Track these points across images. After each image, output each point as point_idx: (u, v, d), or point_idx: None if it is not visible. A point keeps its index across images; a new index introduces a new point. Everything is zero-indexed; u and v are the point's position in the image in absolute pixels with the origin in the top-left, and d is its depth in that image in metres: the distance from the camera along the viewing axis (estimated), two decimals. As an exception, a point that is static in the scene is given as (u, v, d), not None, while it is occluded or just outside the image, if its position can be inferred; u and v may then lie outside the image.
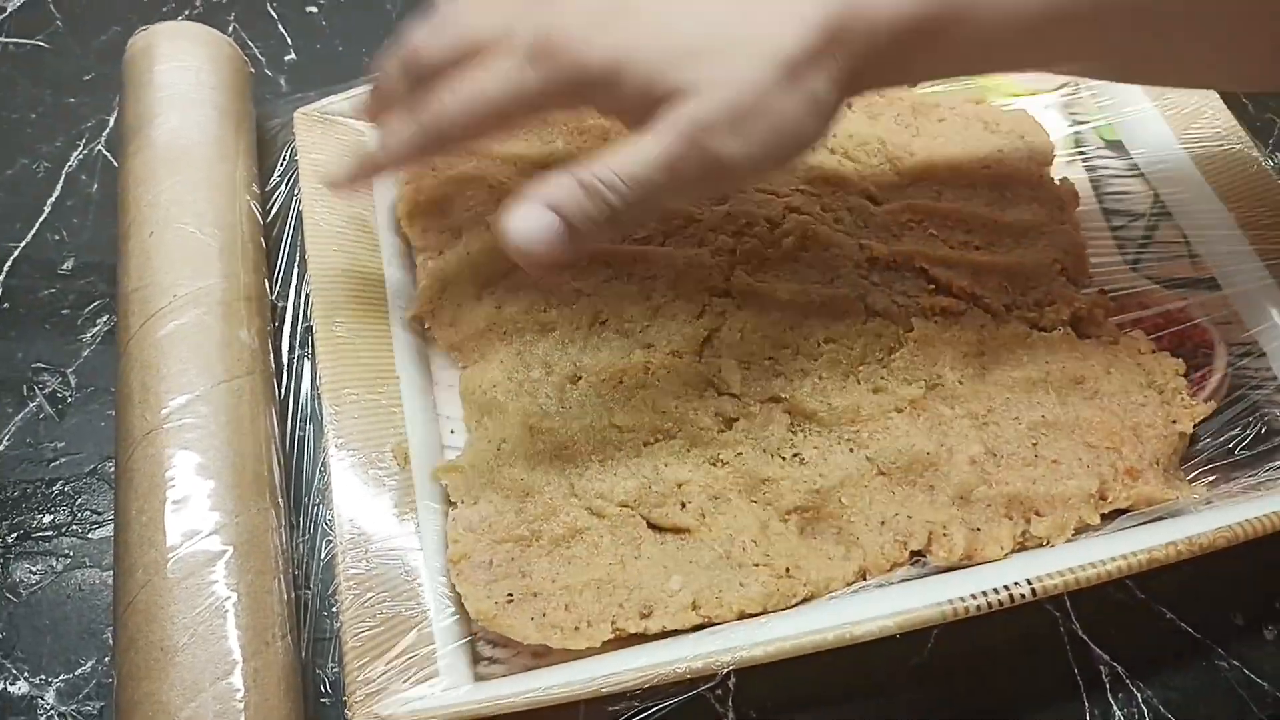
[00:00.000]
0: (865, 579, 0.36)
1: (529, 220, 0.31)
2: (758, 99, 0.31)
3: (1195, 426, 0.39)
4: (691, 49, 0.32)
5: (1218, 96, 0.48)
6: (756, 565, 0.36)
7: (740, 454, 0.38)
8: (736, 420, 0.39)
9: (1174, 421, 0.39)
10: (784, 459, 0.38)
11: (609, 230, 0.32)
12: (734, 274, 0.41)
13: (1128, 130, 0.49)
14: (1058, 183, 0.47)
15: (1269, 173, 0.45)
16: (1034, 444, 0.38)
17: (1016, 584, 0.33)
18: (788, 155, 0.33)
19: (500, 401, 0.39)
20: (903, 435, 0.38)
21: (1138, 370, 0.40)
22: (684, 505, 0.37)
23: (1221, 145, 0.46)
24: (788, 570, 0.36)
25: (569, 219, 0.31)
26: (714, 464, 0.38)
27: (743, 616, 0.35)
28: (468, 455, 0.39)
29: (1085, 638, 0.37)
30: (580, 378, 0.39)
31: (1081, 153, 0.49)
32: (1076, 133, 0.50)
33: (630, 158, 0.31)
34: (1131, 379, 0.40)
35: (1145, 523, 0.37)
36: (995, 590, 0.33)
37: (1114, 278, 0.44)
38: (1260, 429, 0.40)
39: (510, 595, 0.35)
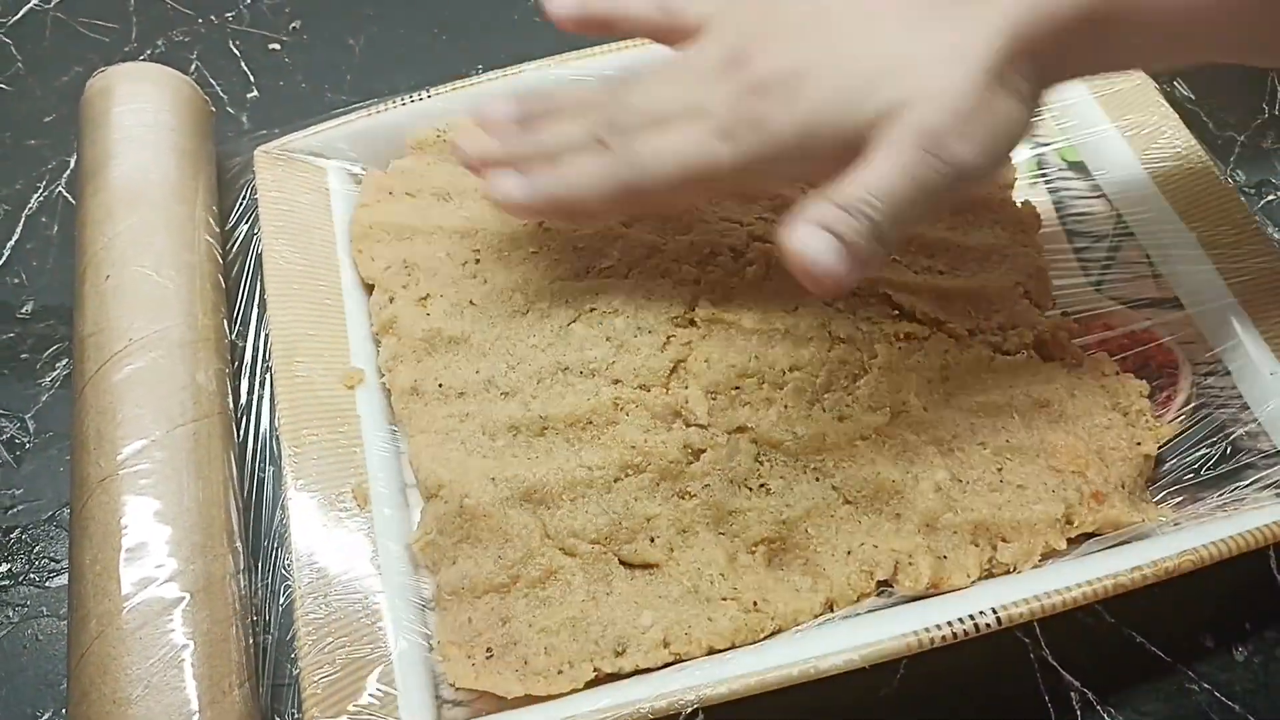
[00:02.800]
0: (832, 610, 0.36)
1: (813, 241, 0.32)
2: (975, 102, 0.32)
3: (1160, 447, 0.39)
4: (886, 68, 0.33)
5: (1177, 117, 0.48)
6: (725, 599, 0.36)
7: (708, 485, 0.38)
8: (704, 451, 0.38)
9: (1139, 444, 0.39)
10: (750, 490, 0.38)
11: (878, 249, 0.32)
12: (699, 304, 0.41)
13: (1089, 151, 0.49)
14: (1019, 205, 0.47)
15: (1230, 191, 0.45)
16: (999, 469, 0.38)
17: (982, 613, 0.33)
18: (1006, 152, 0.34)
19: (460, 463, 0.38)
20: (868, 463, 0.38)
21: (1102, 393, 0.40)
22: (653, 540, 0.37)
23: (1182, 164, 0.46)
24: (755, 604, 0.35)
25: (843, 238, 0.32)
26: (682, 497, 0.38)
27: (712, 652, 0.35)
28: (434, 522, 0.38)
29: (1055, 664, 0.37)
30: (547, 429, 0.39)
31: (1044, 174, 0.49)
32: (1038, 155, 0.50)
33: (873, 177, 0.32)
34: (1096, 401, 0.40)
35: (1112, 546, 0.37)
36: (961, 620, 0.33)
37: (1078, 299, 0.44)
38: (1226, 448, 0.39)
39: (489, 651, 0.35)
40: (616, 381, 0.39)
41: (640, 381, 0.39)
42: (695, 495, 0.38)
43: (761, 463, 0.38)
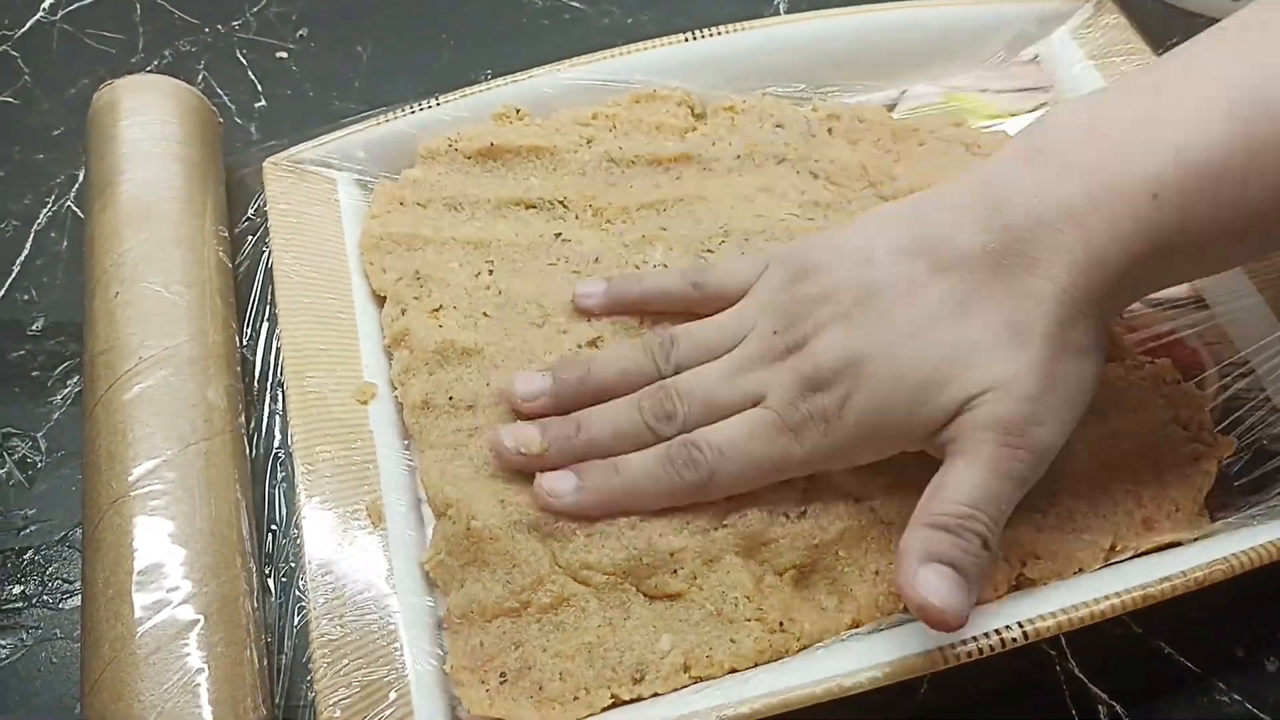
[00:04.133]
0: (858, 629, 0.35)
1: (935, 582, 0.30)
2: (1045, 381, 0.32)
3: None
4: (948, 359, 0.32)
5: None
6: (749, 620, 0.34)
7: (745, 515, 0.36)
8: None
9: (1197, 459, 0.37)
10: (787, 518, 0.36)
11: (988, 558, 0.32)
12: None
13: (1109, 148, 0.48)
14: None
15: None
16: (1054, 493, 0.37)
17: (1008, 628, 0.32)
18: (1082, 409, 0.33)
19: (468, 481, 0.37)
20: (911, 482, 0.36)
21: (1163, 403, 0.39)
22: (675, 572, 0.35)
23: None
24: (781, 624, 0.34)
25: (958, 565, 0.31)
26: (714, 529, 0.36)
27: (733, 672, 0.34)
28: (443, 542, 0.37)
29: (1082, 676, 0.36)
30: None
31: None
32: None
33: (966, 488, 0.32)
34: (1156, 415, 0.38)
35: (1140, 555, 0.36)
36: (986, 635, 0.32)
37: (1100, 301, 0.43)
38: (1256, 452, 0.39)
39: (503, 676, 0.34)
40: None
41: None
42: (730, 525, 0.36)
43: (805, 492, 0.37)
